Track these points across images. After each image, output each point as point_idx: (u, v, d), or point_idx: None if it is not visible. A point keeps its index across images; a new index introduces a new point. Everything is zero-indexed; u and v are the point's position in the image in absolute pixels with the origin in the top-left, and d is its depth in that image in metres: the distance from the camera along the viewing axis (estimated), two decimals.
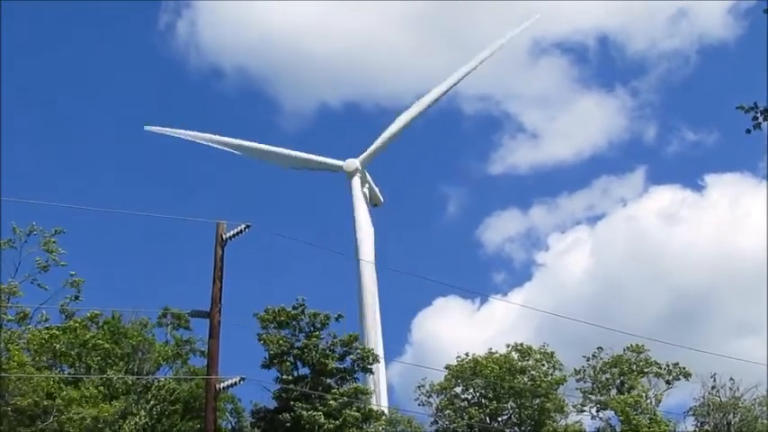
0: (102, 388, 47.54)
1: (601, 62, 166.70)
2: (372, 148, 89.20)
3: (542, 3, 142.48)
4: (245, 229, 35.02)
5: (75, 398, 45.59)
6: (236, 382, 34.60)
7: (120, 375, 48.81)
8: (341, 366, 57.05)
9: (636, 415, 66.24)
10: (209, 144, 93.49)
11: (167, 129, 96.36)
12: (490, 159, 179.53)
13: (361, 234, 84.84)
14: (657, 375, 74.34)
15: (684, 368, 74.23)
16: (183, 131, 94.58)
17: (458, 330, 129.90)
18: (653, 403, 71.65)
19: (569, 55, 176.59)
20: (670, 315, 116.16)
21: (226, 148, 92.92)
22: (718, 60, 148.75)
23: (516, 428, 72.42)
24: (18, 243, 48.34)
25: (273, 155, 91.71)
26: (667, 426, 67.56)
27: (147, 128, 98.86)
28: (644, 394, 72.66)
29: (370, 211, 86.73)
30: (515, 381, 70.18)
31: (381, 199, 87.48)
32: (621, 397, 71.45)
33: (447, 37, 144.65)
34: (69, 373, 47.25)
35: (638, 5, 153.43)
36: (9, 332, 48.80)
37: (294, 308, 56.41)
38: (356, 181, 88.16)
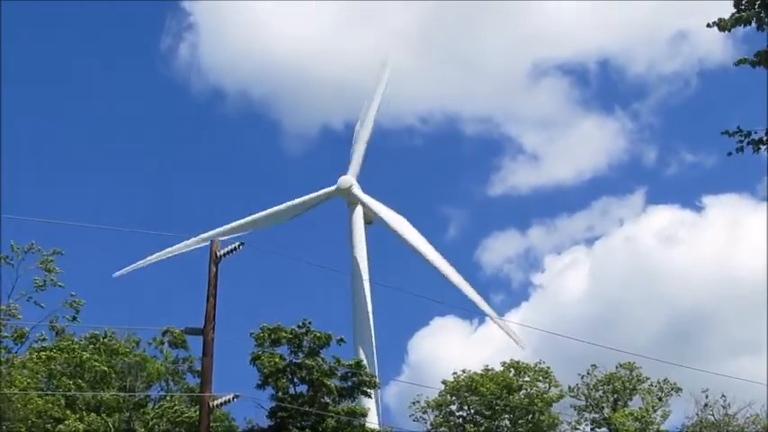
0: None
1: (601, 84, 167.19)
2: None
3: (544, 24, 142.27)
4: (238, 246, 34.88)
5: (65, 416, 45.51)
6: (229, 400, 34.52)
7: (113, 393, 48.52)
8: (341, 386, 55.83)
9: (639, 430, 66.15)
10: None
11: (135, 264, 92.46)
12: (490, 181, 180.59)
13: (358, 254, 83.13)
14: (649, 393, 74.01)
15: (675, 383, 74.19)
16: (152, 258, 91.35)
17: (455, 350, 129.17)
18: (658, 419, 71.46)
19: (570, 77, 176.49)
20: (668, 334, 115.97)
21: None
22: (718, 83, 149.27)
23: None
24: (15, 261, 48.14)
25: (272, 217, 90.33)
26: None
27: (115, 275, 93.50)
28: (649, 409, 72.40)
29: (367, 232, 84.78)
30: (511, 398, 69.99)
31: (373, 216, 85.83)
32: (627, 410, 71.28)
33: (447, 56, 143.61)
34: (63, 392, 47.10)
35: (639, 29, 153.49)
36: (11, 354, 48.67)
37: (299, 326, 56.08)
38: (358, 210, 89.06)
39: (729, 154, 37.02)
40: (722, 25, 36.78)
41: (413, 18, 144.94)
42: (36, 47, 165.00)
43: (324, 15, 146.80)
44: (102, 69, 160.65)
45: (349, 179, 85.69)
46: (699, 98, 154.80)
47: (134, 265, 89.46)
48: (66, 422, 44.56)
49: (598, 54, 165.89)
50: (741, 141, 37.82)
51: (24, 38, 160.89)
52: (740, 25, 36.30)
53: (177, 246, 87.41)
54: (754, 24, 36.32)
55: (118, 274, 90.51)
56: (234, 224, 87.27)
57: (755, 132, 37.00)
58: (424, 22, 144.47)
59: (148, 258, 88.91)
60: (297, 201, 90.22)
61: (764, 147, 37.69)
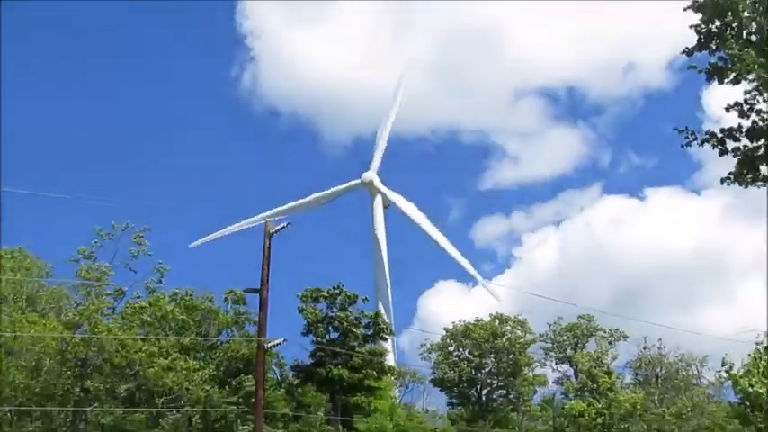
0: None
1: (568, 104, 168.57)
2: (376, 158, 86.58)
3: (524, 59, 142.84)
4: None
5: (155, 353, 44.78)
6: (279, 343, 33.89)
7: (192, 338, 47.91)
8: (365, 333, 55.36)
9: (595, 368, 64.87)
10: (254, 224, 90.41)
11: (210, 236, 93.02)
12: (482, 177, 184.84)
13: (378, 231, 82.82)
14: (602, 338, 72.80)
15: (622, 332, 73.17)
16: (227, 229, 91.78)
17: (454, 306, 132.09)
18: (608, 359, 70.37)
19: (544, 99, 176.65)
20: (617, 295, 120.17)
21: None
22: (659, 104, 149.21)
23: (495, 378, 71.08)
24: (115, 236, 47.37)
25: (306, 204, 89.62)
26: (618, 377, 66.23)
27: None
28: (604, 352, 71.31)
29: (386, 215, 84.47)
30: (495, 342, 69.25)
31: (389, 202, 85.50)
32: (590, 350, 70.38)
33: (451, 82, 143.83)
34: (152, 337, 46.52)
35: (597, 62, 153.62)
36: (107, 304, 48.06)
37: (333, 288, 55.46)
38: (378, 199, 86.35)
39: (683, 146, 35.60)
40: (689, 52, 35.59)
41: (424, 51, 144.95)
42: (132, 71, 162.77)
43: (355, 48, 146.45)
44: (188, 91, 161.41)
45: (370, 174, 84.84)
46: (642, 115, 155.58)
47: (206, 237, 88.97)
48: (155, 360, 43.69)
49: (566, 81, 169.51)
50: (688, 138, 36.43)
51: (112, 58, 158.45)
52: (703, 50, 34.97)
53: (246, 221, 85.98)
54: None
55: (194, 244, 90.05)
56: (284, 207, 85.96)
57: (699, 132, 35.78)
58: (433, 54, 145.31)
59: (219, 232, 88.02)
60: (329, 191, 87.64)
61: (708, 143, 36.35)
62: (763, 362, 16.73)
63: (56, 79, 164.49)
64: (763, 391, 15.31)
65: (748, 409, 17.29)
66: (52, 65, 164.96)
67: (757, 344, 19.29)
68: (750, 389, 15.82)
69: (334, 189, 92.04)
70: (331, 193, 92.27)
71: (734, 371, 19.16)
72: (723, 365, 21.02)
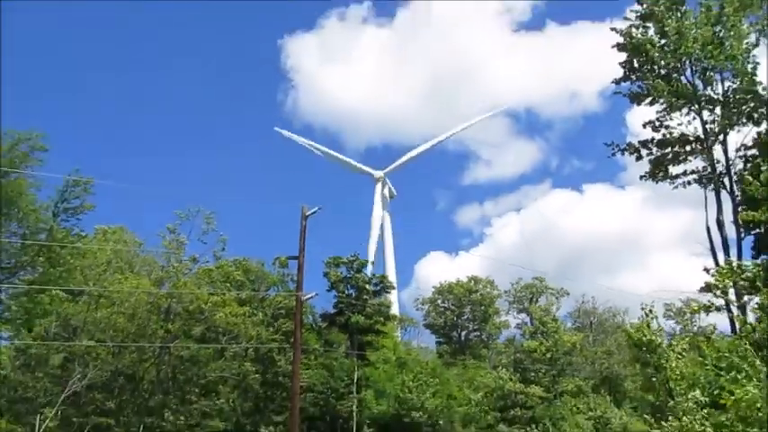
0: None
1: (527, 122, 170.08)
2: (392, 166, 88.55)
3: (495, 88, 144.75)
4: (318, 209, 34.79)
5: (219, 303, 45.84)
6: (312, 296, 34.64)
7: (247, 292, 48.96)
8: (374, 289, 56.64)
9: (545, 316, 66.10)
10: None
11: (292, 135, 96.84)
12: (463, 176, 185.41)
13: (380, 216, 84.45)
14: (551, 295, 74.05)
15: (566, 290, 74.58)
16: (303, 140, 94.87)
17: (442, 270, 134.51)
18: (554, 309, 71.81)
19: (509, 118, 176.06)
20: (562, 262, 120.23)
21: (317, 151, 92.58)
22: (594, 122, 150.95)
23: (471, 324, 72.69)
24: (190, 217, 48.37)
25: (335, 157, 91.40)
26: (561, 323, 67.66)
27: (276, 129, 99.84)
28: (552, 305, 72.75)
29: (387, 202, 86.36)
30: (471, 297, 70.65)
31: (395, 193, 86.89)
32: (541, 304, 71.66)
33: (441, 103, 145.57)
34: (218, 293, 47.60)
35: (549, 90, 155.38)
36: (185, 266, 49.25)
37: (351, 256, 56.14)
38: (379, 185, 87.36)
39: (609, 156, 37.62)
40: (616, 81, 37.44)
41: (420, 81, 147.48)
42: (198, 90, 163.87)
43: (367, 80, 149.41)
44: (247, 111, 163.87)
45: (380, 173, 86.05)
46: (582, 131, 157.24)
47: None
48: (220, 308, 44.78)
49: (525, 105, 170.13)
50: (613, 149, 38.02)
51: (209, 93, 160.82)
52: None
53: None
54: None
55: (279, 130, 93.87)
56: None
57: (622, 144, 37.37)
58: (426, 83, 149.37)
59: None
60: (352, 161, 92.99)
61: (627, 152, 37.81)
62: (653, 315, 16.73)
63: (149, 96, 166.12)
64: (654, 338, 15.25)
65: (643, 353, 16.76)
66: (140, 87, 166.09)
67: (648, 306, 18.77)
68: (644, 338, 15.60)
69: (359, 165, 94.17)
70: (353, 165, 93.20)
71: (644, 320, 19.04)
72: (643, 309, 20.44)
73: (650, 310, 17.03)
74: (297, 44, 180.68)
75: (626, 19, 38.81)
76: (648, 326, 15.29)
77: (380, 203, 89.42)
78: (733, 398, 9.49)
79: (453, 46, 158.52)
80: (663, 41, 36.89)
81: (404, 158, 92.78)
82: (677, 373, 13.26)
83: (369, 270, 59.42)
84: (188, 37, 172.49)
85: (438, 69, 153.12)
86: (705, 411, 11.41)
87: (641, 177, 40.30)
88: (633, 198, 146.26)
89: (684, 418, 11.38)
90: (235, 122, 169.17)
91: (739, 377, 9.64)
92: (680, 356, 14.54)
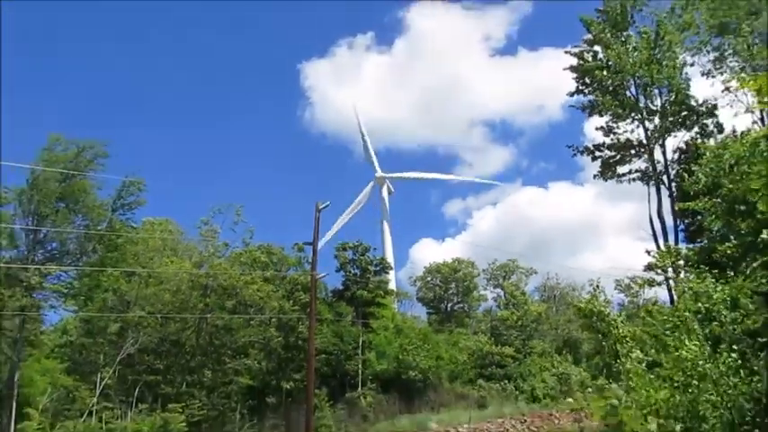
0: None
1: (502, 131, 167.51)
2: (390, 175, 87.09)
3: (475, 101, 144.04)
4: (328, 204, 34.27)
5: (248, 281, 45.27)
6: (324, 275, 34.74)
7: (270, 273, 48.16)
8: (375, 269, 55.87)
9: (516, 291, 65.72)
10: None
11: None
12: (450, 175, 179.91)
13: (384, 208, 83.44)
14: (521, 273, 73.56)
15: (534, 269, 74.22)
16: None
17: (431, 253, 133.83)
18: (524, 286, 71.55)
19: (486, 127, 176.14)
20: (530, 245, 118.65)
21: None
22: (558, 130, 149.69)
23: (455, 297, 72.59)
24: (224, 211, 48.00)
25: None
26: (530, 296, 67.51)
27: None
28: (522, 281, 72.39)
29: (388, 198, 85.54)
30: (455, 275, 70.21)
31: (392, 190, 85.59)
32: (513, 280, 71.16)
33: (431, 115, 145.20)
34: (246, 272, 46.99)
35: (519, 103, 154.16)
36: (219, 249, 48.69)
37: (356, 243, 55.62)
38: (382, 186, 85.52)
39: (572, 157, 36.94)
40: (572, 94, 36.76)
41: (413, 96, 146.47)
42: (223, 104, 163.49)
43: (370, 96, 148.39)
44: (272, 123, 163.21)
45: (380, 173, 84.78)
46: (547, 137, 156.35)
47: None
48: (249, 285, 44.32)
49: (500, 116, 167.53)
50: (574, 152, 37.44)
51: (238, 108, 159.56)
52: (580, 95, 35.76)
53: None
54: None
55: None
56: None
57: (581, 147, 36.69)
58: (419, 98, 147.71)
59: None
60: (373, 153, 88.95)
61: (584, 154, 37.27)
62: (599, 290, 16.25)
63: (198, 111, 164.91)
64: (602, 309, 14.73)
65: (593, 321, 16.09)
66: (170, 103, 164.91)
67: (595, 281, 18.17)
68: (593, 309, 15.10)
69: (374, 157, 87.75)
70: (371, 155, 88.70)
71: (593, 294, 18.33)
72: (591, 285, 20.11)
73: (597, 285, 16.68)
74: (313, 68, 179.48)
75: (578, 46, 38.51)
76: (596, 298, 14.81)
77: (387, 201, 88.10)
78: (677, 353, 9.13)
79: (441, 68, 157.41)
80: (609, 62, 36.47)
81: (402, 174, 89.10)
82: (622, 335, 12.88)
83: (371, 254, 58.77)
84: (227, 63, 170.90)
85: (429, 88, 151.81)
86: (645, 365, 11.05)
87: (594, 176, 39.85)
88: (589, 193, 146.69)
89: (630, 374, 10.97)
90: (263, 132, 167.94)
91: (681, 337, 9.36)
92: (624, 323, 14.27)
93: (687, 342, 9.17)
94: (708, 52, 32.04)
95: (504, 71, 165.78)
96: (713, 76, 31.88)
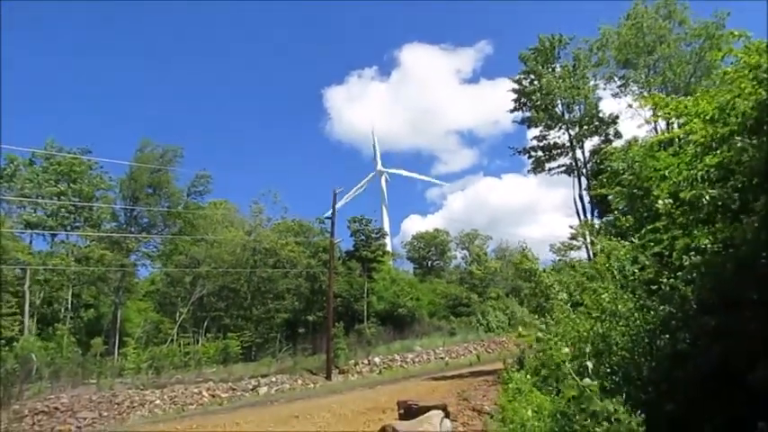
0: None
1: (469, 138, 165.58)
2: (388, 170, 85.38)
3: (449, 117, 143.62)
4: (342, 189, 34.10)
5: (284, 244, 44.82)
6: (340, 241, 34.75)
7: (298, 241, 47.37)
8: (375, 236, 54.80)
9: (479, 252, 65.33)
10: None
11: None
12: (431, 169, 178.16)
13: (383, 193, 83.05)
14: (481, 239, 72.95)
15: (490, 236, 73.77)
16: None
17: (419, 225, 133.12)
18: (486, 248, 70.88)
19: (459, 135, 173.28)
20: (492, 221, 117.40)
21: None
22: (508, 138, 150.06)
23: (434, 257, 71.86)
24: (266, 194, 47.51)
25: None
26: (488, 256, 66.70)
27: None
28: (482, 246, 71.73)
29: (386, 186, 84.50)
30: (435, 240, 69.54)
31: (389, 180, 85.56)
32: (476, 244, 70.36)
33: (419, 128, 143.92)
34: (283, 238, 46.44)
35: (482, 118, 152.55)
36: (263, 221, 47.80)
37: (361, 216, 54.14)
38: (382, 177, 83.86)
39: (513, 155, 36.04)
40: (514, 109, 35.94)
41: (405, 112, 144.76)
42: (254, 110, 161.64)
43: (375, 111, 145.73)
44: (300, 133, 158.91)
45: (380, 167, 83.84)
46: (501, 143, 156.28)
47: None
48: (284, 246, 43.76)
49: (468, 127, 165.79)
50: (519, 152, 36.92)
51: (277, 122, 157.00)
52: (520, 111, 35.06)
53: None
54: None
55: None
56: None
57: (522, 149, 36.08)
58: (409, 113, 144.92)
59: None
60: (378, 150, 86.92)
61: (523, 154, 36.81)
62: (527, 250, 15.81)
63: (248, 123, 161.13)
64: (532, 265, 14.41)
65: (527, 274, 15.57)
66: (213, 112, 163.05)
67: (525, 244, 17.72)
68: (525, 266, 14.72)
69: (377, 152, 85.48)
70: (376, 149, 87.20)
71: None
72: (522, 248, 18.90)
73: (525, 247, 16.47)
74: (332, 92, 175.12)
75: (518, 75, 38.23)
76: (526, 257, 14.68)
77: (384, 189, 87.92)
78: (594, 295, 9.11)
79: (425, 93, 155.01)
80: (540, 87, 36.23)
81: (395, 171, 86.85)
82: (549, 283, 12.77)
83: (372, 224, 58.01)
84: (273, 88, 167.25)
85: (416, 107, 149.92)
86: (570, 305, 10.97)
87: (528, 171, 39.74)
88: (532, 182, 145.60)
89: (556, 310, 10.94)
90: (297, 139, 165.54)
91: (600, 283, 9.46)
92: (549, 274, 14.23)
93: (603, 286, 9.23)
94: (616, 80, 31.97)
95: (470, 95, 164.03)
96: (620, 97, 31.99)
